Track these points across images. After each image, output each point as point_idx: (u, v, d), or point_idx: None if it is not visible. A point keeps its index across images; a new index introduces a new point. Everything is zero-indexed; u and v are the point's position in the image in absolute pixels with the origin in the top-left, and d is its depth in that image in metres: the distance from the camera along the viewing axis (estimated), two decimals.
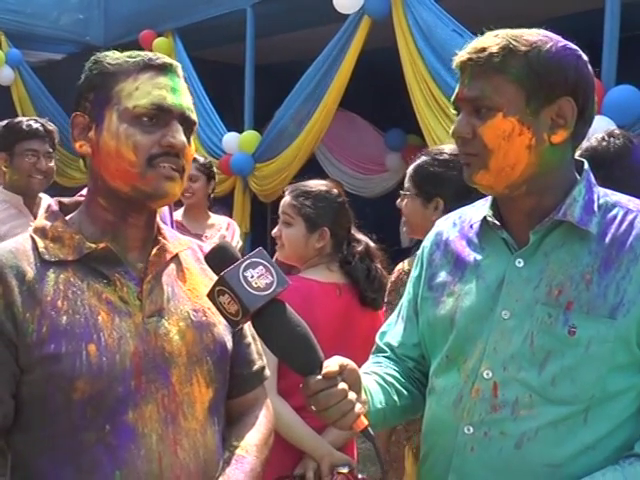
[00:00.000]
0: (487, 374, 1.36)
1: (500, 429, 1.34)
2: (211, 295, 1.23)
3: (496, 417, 1.34)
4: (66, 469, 1.25)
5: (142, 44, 7.45)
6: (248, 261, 1.22)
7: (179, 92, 1.36)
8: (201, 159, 4.22)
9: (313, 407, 1.23)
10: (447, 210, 1.94)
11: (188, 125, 1.37)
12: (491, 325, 1.38)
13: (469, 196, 1.62)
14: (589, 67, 1.36)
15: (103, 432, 1.26)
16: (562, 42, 1.35)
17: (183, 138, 1.34)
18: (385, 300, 2.41)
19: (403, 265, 2.47)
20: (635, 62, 4.93)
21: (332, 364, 1.23)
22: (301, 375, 1.23)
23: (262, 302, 1.20)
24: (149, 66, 1.35)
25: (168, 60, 1.38)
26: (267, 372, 1.57)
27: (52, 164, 3.26)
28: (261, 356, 1.55)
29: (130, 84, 1.33)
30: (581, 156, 2.33)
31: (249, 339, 1.52)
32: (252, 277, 1.21)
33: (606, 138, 2.33)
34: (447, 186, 2.23)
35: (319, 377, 1.21)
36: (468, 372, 1.40)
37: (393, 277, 2.45)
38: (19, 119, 3.29)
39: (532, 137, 1.32)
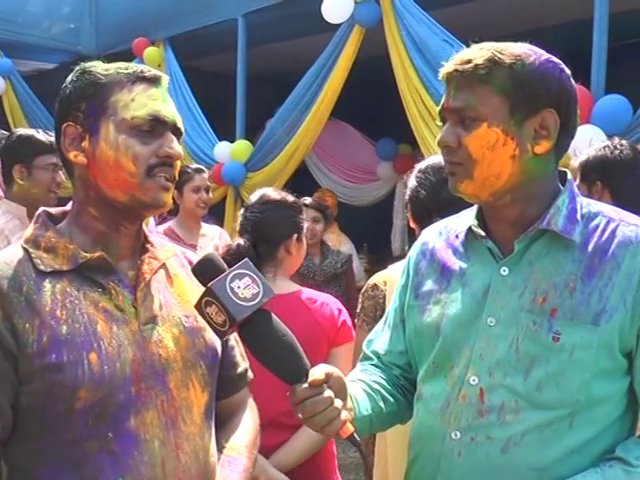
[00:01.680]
0: (473, 380, 1.38)
1: (486, 434, 1.35)
2: (198, 306, 1.25)
3: (483, 422, 1.36)
4: (68, 478, 1.26)
5: (135, 52, 7.44)
6: (235, 272, 1.24)
7: (169, 103, 1.39)
8: (205, 170, 4.38)
9: (300, 415, 1.25)
10: None
11: (178, 135, 1.39)
12: (477, 332, 1.39)
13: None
14: (572, 80, 1.39)
15: (106, 440, 1.26)
16: (545, 55, 1.37)
17: (179, 148, 1.37)
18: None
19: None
20: (624, 71, 4.96)
21: (318, 372, 1.24)
22: (288, 383, 1.25)
23: (249, 312, 1.22)
24: (141, 78, 1.36)
25: (158, 72, 1.40)
26: (250, 374, 1.59)
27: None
28: (244, 358, 1.57)
29: (126, 95, 1.34)
30: (591, 163, 2.37)
31: (232, 342, 1.54)
32: (239, 288, 1.22)
33: (618, 147, 2.35)
34: None
35: (305, 385, 1.23)
36: (455, 378, 1.41)
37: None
38: (30, 132, 3.14)
39: (516, 147, 1.34)
